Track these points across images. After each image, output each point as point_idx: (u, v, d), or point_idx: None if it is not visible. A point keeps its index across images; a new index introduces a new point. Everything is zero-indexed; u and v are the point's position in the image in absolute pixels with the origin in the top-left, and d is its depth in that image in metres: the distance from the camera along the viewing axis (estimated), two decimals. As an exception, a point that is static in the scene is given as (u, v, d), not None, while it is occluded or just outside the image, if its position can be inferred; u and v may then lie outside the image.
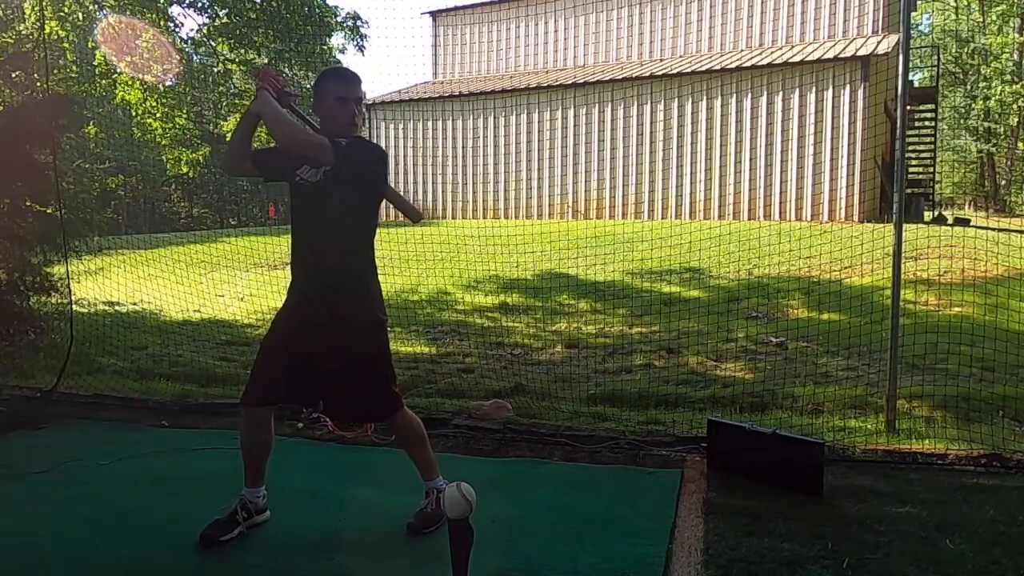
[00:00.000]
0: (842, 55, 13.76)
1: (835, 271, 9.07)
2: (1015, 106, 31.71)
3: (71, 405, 4.92)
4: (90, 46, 12.69)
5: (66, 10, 11.73)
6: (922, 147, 18.03)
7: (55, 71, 11.10)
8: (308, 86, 30.35)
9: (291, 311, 2.82)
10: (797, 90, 14.12)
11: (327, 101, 2.73)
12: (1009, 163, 34.58)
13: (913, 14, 22.92)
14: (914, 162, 17.80)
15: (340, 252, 2.73)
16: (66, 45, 11.96)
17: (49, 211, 5.78)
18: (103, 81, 12.84)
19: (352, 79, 2.78)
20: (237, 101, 16.74)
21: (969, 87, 34.72)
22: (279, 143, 2.67)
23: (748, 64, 14.61)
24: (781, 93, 14.28)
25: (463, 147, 17.41)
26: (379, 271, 2.85)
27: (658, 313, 7.64)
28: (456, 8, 20.19)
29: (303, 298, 2.79)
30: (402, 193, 17.41)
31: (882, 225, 10.94)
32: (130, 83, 12.69)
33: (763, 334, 6.85)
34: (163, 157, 14.88)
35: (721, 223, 12.43)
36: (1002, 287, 7.66)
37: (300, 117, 2.79)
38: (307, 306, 2.76)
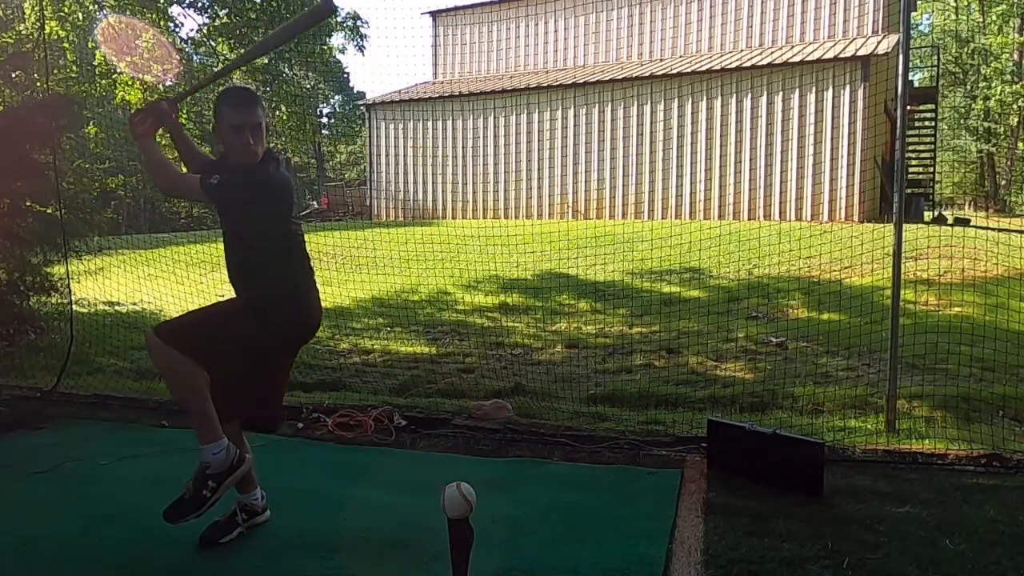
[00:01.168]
0: (842, 55, 13.76)
1: (835, 271, 9.07)
2: (1015, 106, 31.69)
3: (71, 405, 4.92)
4: (90, 46, 12.68)
5: (66, 10, 11.71)
6: (922, 147, 18.03)
7: (55, 71, 11.09)
8: (308, 86, 30.40)
9: None
10: (797, 90, 14.12)
11: (224, 128, 2.66)
12: (1009, 163, 34.57)
13: (913, 14, 22.92)
14: (914, 162, 17.80)
15: (239, 267, 2.82)
16: (66, 45, 11.95)
17: (49, 211, 5.78)
18: (103, 81, 12.82)
19: (245, 104, 2.66)
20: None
21: (969, 87, 34.70)
22: (160, 190, 2.85)
23: (748, 64, 14.62)
24: (781, 93, 14.28)
25: (463, 147, 17.41)
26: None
27: (658, 313, 7.64)
28: (456, 8, 20.19)
29: None
30: (402, 193, 17.27)
31: (882, 225, 10.94)
32: (130, 83, 12.68)
33: (763, 334, 6.85)
34: (163, 157, 14.86)
35: (721, 223, 12.43)
36: (1002, 287, 7.66)
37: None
38: None
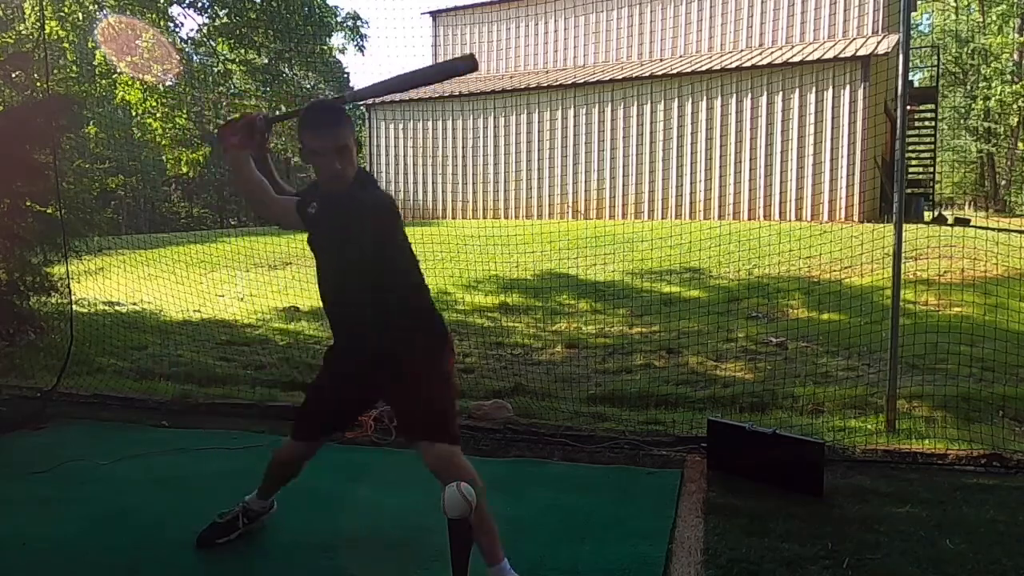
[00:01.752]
0: (842, 55, 13.76)
1: (835, 271, 9.07)
2: (1015, 106, 31.67)
3: (71, 405, 4.92)
4: (90, 46, 12.69)
5: (66, 10, 11.72)
6: (922, 147, 18.02)
7: (55, 71, 11.09)
8: (308, 86, 30.39)
9: (336, 357, 2.68)
10: (797, 90, 14.12)
11: (305, 152, 2.39)
12: (1009, 163, 34.56)
13: (913, 14, 22.92)
14: (914, 162, 17.80)
15: (357, 294, 2.49)
16: (66, 45, 11.95)
17: (49, 211, 5.78)
18: (103, 81, 12.83)
19: (322, 127, 2.34)
20: (237, 101, 16.76)
21: (969, 87, 34.70)
22: (252, 210, 2.63)
23: (748, 64, 14.61)
24: (781, 93, 14.28)
25: (463, 147, 17.40)
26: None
27: (658, 313, 7.64)
28: (456, 8, 20.18)
29: (342, 349, 2.64)
30: (402, 193, 17.12)
31: (882, 225, 10.94)
32: (130, 83, 12.68)
33: (763, 334, 6.85)
34: (163, 157, 14.88)
35: (721, 223, 12.42)
36: (1002, 287, 7.66)
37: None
38: (350, 355, 2.60)
